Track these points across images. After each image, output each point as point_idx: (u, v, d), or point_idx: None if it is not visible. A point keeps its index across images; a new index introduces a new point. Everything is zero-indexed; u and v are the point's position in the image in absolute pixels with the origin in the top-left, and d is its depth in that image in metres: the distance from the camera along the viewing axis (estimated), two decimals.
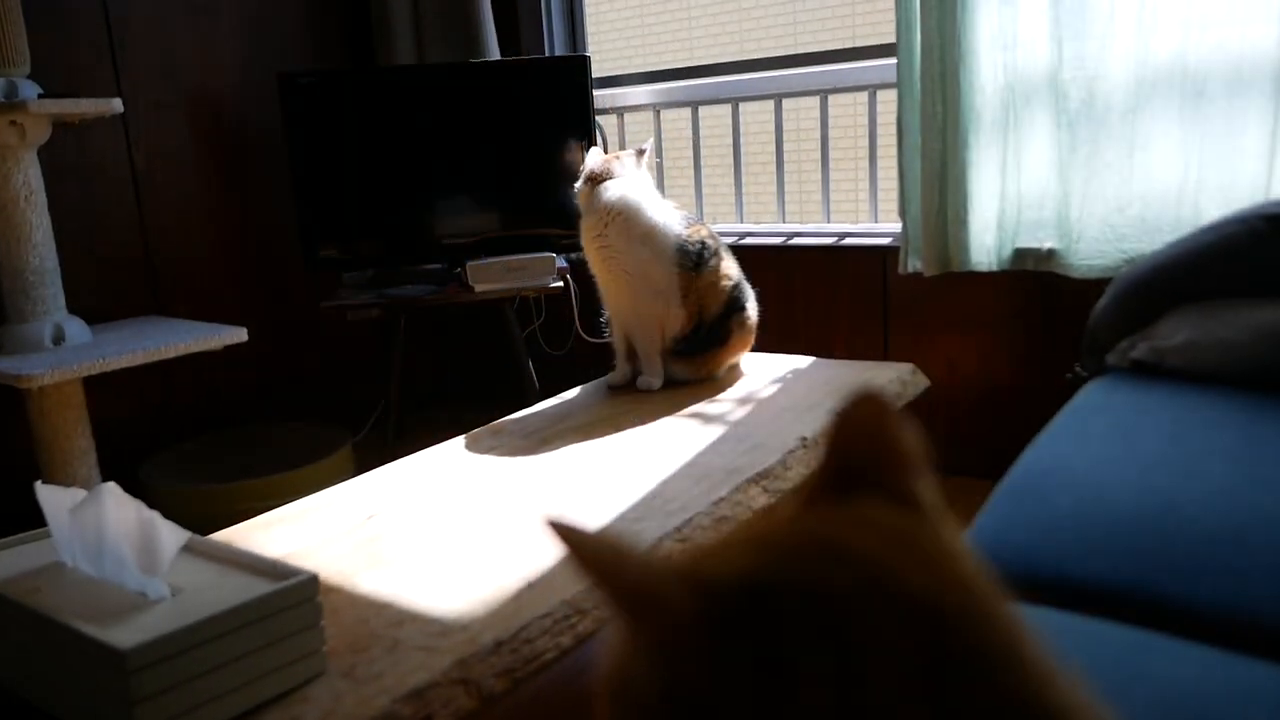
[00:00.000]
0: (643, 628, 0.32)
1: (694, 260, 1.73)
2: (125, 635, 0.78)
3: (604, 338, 1.90)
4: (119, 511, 0.87)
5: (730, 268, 1.79)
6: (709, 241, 1.77)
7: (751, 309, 1.80)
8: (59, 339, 1.87)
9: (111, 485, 0.89)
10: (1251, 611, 0.82)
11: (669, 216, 1.76)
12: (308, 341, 2.64)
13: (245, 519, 1.26)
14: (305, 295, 2.55)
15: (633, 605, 0.32)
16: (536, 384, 2.46)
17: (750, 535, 0.35)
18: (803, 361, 1.86)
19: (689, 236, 1.75)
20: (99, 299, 2.18)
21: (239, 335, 1.98)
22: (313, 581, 0.88)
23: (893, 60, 2.07)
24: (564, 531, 0.32)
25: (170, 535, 0.87)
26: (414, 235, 2.45)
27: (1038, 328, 2.06)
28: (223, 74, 2.43)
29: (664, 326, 1.75)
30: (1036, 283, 2.01)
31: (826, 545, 0.33)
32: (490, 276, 2.28)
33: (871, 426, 0.37)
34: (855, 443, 0.37)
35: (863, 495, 0.36)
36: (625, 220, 1.74)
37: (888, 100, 2.28)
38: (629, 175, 1.81)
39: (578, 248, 2.48)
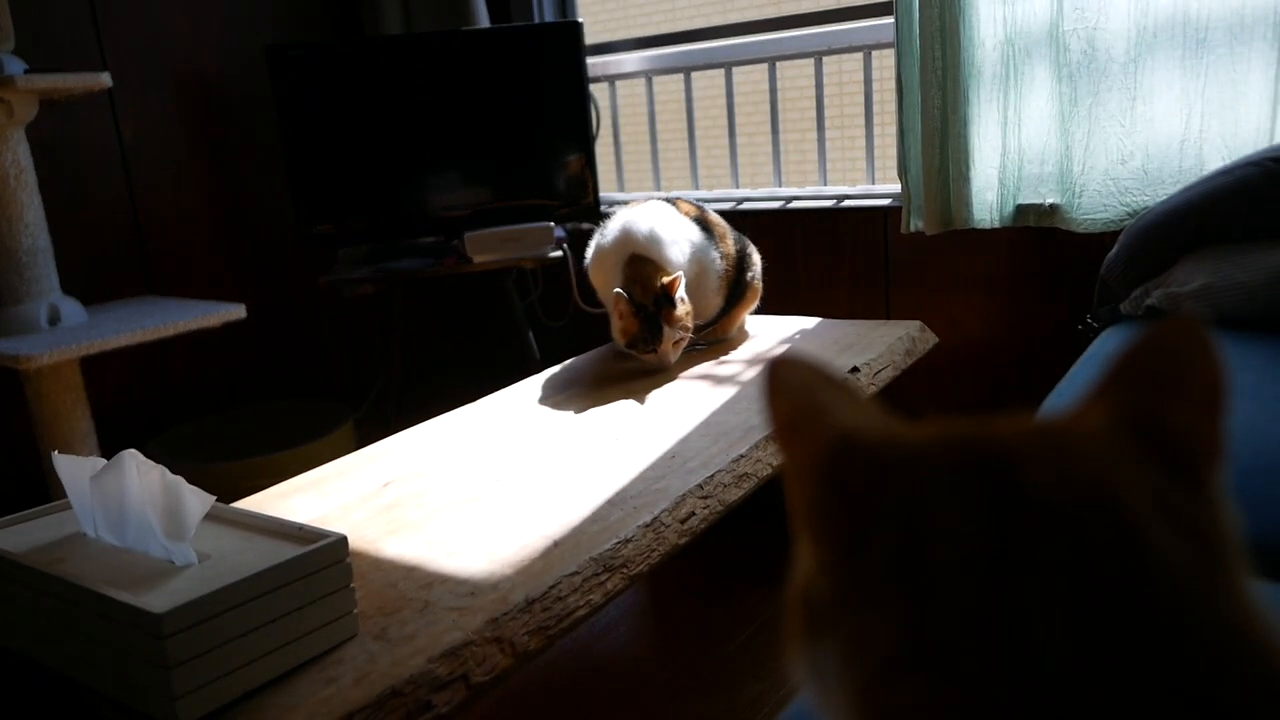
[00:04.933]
0: (790, 452, 0.35)
1: (736, 259, 1.74)
2: (158, 600, 0.77)
3: (603, 308, 1.89)
4: (142, 477, 0.86)
5: (725, 229, 1.79)
6: (712, 223, 1.76)
7: (755, 258, 1.80)
8: (55, 320, 1.84)
9: (133, 452, 0.87)
10: None
11: (690, 229, 1.72)
12: (305, 318, 2.61)
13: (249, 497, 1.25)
14: (300, 272, 2.53)
15: (784, 430, 0.35)
16: (538, 355, 2.45)
17: None
18: (809, 322, 1.85)
19: (720, 243, 1.74)
20: (92, 279, 2.15)
21: (237, 312, 1.96)
22: (342, 543, 0.87)
23: (888, 19, 2.05)
24: (777, 362, 0.35)
25: (195, 500, 0.85)
26: (409, 208, 2.42)
27: (1040, 284, 2.06)
28: (208, 48, 2.38)
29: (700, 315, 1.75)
30: (1039, 238, 2.01)
31: (977, 429, 0.33)
32: (489, 247, 2.26)
33: (1175, 353, 0.33)
34: (1144, 371, 0.33)
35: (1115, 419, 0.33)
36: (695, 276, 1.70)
37: (882, 62, 2.26)
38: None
39: (574, 217, 2.47)
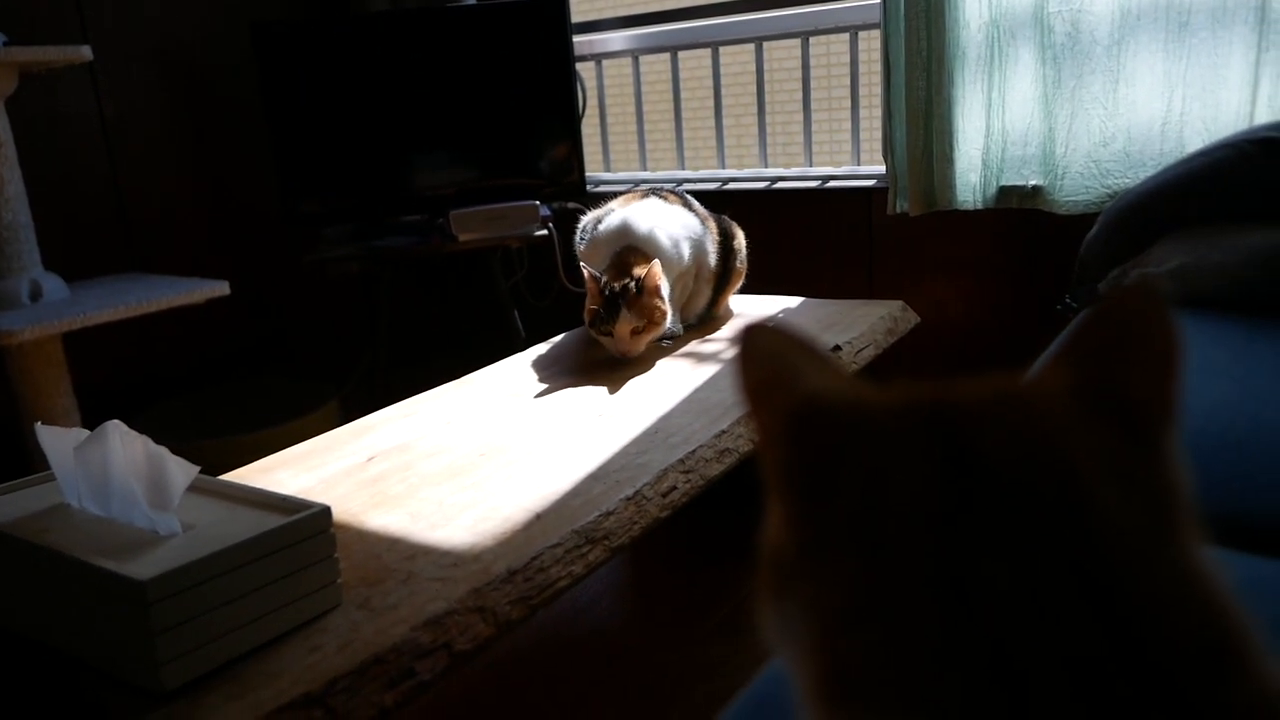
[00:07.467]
0: (759, 414, 0.36)
1: (722, 245, 1.74)
2: (142, 568, 0.77)
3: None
4: (126, 448, 0.86)
5: (708, 216, 1.79)
6: (699, 215, 1.76)
7: (739, 239, 1.81)
8: (36, 295, 1.83)
9: (116, 422, 0.87)
10: (1255, 514, 0.83)
11: (690, 223, 1.72)
12: (290, 296, 2.60)
13: None
14: (285, 249, 2.51)
15: (755, 393, 0.36)
16: (523, 334, 2.45)
17: None
18: (793, 301, 1.86)
19: (709, 226, 1.74)
20: (74, 255, 2.13)
21: (221, 289, 1.95)
22: (325, 514, 0.88)
23: (875, 0, 2.06)
24: (751, 328, 0.36)
25: (179, 470, 0.86)
26: (394, 186, 2.41)
27: (1022, 265, 2.07)
28: (192, 22, 2.36)
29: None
30: (1021, 220, 2.02)
31: (932, 389, 0.34)
32: (474, 225, 2.26)
33: (1130, 321, 0.33)
34: (1099, 344, 0.34)
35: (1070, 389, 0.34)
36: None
37: (868, 43, 2.26)
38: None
39: (560, 196, 2.47)
